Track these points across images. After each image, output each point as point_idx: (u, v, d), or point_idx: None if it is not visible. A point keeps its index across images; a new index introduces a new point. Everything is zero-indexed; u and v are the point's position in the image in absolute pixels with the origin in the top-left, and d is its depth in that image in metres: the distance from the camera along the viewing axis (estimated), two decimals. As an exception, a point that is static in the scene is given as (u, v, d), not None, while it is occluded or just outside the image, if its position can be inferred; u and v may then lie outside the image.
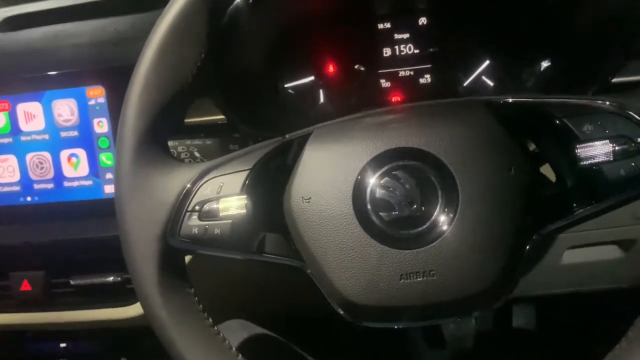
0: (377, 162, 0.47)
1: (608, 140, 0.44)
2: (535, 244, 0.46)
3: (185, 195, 0.48)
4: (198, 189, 0.48)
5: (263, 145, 0.50)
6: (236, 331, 0.79)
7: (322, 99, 0.77)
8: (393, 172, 0.46)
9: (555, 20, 0.68)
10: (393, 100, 0.75)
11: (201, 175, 0.49)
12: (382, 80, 0.75)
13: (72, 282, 0.74)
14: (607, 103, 0.45)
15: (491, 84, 0.74)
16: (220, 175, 0.49)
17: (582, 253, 0.76)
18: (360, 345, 1.07)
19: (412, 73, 0.75)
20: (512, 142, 0.46)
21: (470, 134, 0.46)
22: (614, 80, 0.63)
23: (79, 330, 0.79)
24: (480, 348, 1.17)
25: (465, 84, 0.74)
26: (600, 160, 0.44)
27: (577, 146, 0.45)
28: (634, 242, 0.75)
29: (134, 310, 0.74)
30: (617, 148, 0.44)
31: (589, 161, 0.44)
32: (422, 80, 0.75)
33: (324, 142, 0.49)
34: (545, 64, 0.71)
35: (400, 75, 0.75)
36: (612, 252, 0.76)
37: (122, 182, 0.49)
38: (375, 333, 1.05)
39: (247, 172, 0.49)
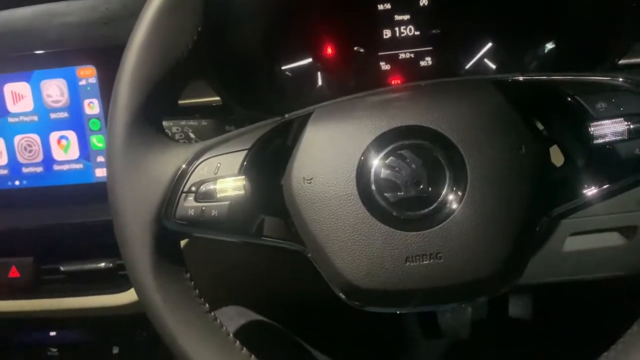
0: (382, 141, 0.45)
1: (623, 119, 0.43)
2: (543, 227, 0.45)
3: (181, 176, 0.47)
4: (194, 169, 0.47)
5: (262, 124, 0.49)
6: (233, 318, 0.78)
7: (320, 82, 0.76)
8: (398, 152, 0.45)
9: (558, 1, 0.66)
10: (393, 83, 0.74)
11: (197, 155, 0.47)
12: (382, 63, 0.74)
13: (62, 269, 0.72)
14: (621, 80, 0.44)
15: (493, 66, 0.73)
16: (217, 155, 0.47)
17: (584, 240, 0.75)
18: (357, 335, 1.06)
19: (412, 55, 0.73)
20: (521, 121, 0.45)
21: (479, 112, 0.44)
22: (620, 61, 0.62)
23: (69, 319, 0.77)
24: (476, 338, 1.16)
25: (467, 67, 0.73)
26: (614, 138, 0.43)
27: (590, 124, 0.43)
28: (637, 229, 0.74)
29: (126, 297, 0.72)
30: (632, 126, 0.43)
31: (603, 139, 0.43)
32: (422, 63, 0.73)
33: (325, 121, 0.47)
34: (549, 46, 0.70)
35: (400, 57, 0.74)
36: (614, 239, 0.75)
37: (115, 162, 0.47)
38: (372, 323, 1.04)
39: (245, 152, 0.47)
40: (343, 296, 0.46)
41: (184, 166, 0.47)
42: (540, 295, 1.13)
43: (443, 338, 1.18)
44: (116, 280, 0.71)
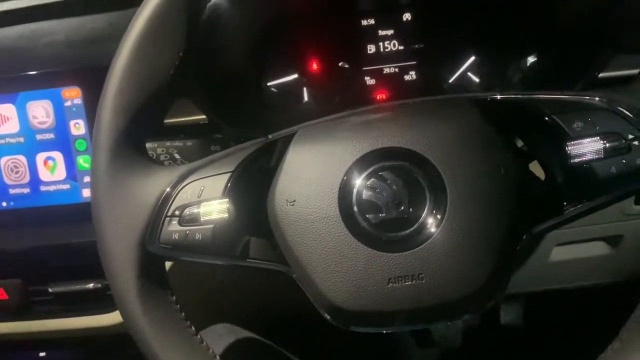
0: (363, 162, 0.45)
1: (599, 137, 0.43)
2: (525, 243, 0.45)
3: (165, 200, 0.47)
4: (178, 192, 0.47)
5: (245, 146, 0.49)
6: (222, 336, 0.77)
7: (306, 97, 0.76)
8: (379, 173, 0.45)
9: (540, 15, 0.67)
10: (378, 97, 0.74)
11: (181, 179, 0.47)
12: (367, 78, 0.74)
13: (50, 290, 0.71)
14: (597, 99, 0.44)
15: (477, 80, 0.73)
16: (201, 178, 0.47)
17: (570, 250, 0.76)
18: (348, 347, 1.06)
19: (397, 70, 0.74)
20: (500, 139, 0.45)
21: (458, 132, 0.45)
22: (600, 75, 0.63)
23: (59, 339, 0.77)
24: (468, 346, 1.16)
25: (450, 81, 0.73)
26: (591, 157, 0.43)
27: (568, 143, 0.44)
28: (622, 238, 0.75)
29: (116, 317, 0.72)
30: (607, 145, 0.43)
31: (580, 159, 0.43)
32: (407, 77, 0.74)
33: (308, 142, 0.47)
34: (531, 60, 0.71)
35: (385, 72, 0.74)
36: (600, 249, 0.76)
37: (98, 186, 0.47)
38: (363, 334, 1.04)
39: (229, 175, 0.47)
40: (328, 317, 0.46)
41: (168, 189, 0.47)
42: (532, 302, 1.14)
43: (435, 346, 1.18)
44: (105, 300, 0.70)
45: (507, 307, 1.16)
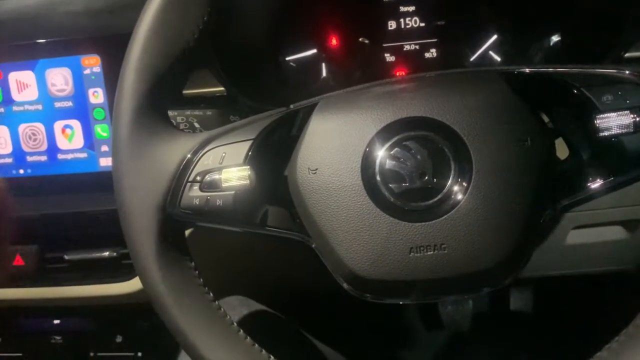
0: (387, 132, 0.45)
1: (629, 111, 0.43)
2: (548, 218, 0.45)
3: (186, 165, 0.47)
4: (199, 158, 0.47)
5: (267, 115, 0.49)
6: (236, 307, 0.78)
7: (324, 73, 0.76)
8: (404, 143, 0.45)
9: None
10: (398, 74, 0.74)
11: (202, 145, 0.47)
12: (387, 54, 0.74)
13: (66, 257, 0.72)
14: (628, 72, 0.44)
15: (498, 58, 0.72)
16: (222, 145, 0.47)
17: (587, 233, 0.75)
18: (357, 329, 1.06)
19: (417, 47, 0.73)
20: (527, 113, 0.45)
21: (485, 104, 0.44)
22: (626, 55, 0.62)
23: (73, 307, 0.78)
24: (477, 330, 1.16)
25: (472, 59, 0.73)
26: (620, 131, 0.43)
27: (596, 117, 0.43)
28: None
29: (130, 286, 0.72)
30: (638, 119, 0.42)
31: (608, 132, 0.43)
32: (427, 55, 0.73)
33: (331, 111, 0.47)
34: (554, 39, 0.70)
35: (405, 49, 0.73)
36: (617, 233, 0.75)
37: (120, 150, 0.47)
38: (374, 314, 1.05)
39: (250, 142, 0.47)
40: (346, 286, 0.46)
41: (189, 155, 0.47)
42: (542, 288, 1.13)
43: (444, 330, 1.18)
44: (120, 269, 0.71)
45: (517, 293, 1.16)
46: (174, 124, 0.68)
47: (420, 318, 1.19)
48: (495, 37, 0.71)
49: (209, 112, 0.68)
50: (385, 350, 1.14)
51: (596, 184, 0.44)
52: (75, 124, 0.71)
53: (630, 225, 0.75)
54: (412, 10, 0.72)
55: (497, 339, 1.15)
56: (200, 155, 0.47)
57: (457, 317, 1.18)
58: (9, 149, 0.73)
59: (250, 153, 0.47)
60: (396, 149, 0.45)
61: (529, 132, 0.43)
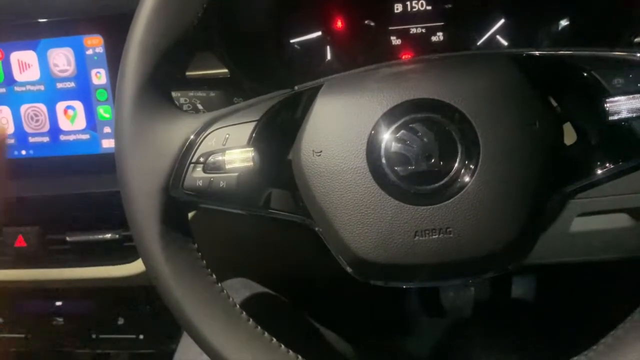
0: (393, 114, 0.44)
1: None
2: (555, 204, 0.44)
3: (189, 147, 0.46)
4: (202, 140, 0.46)
5: (271, 96, 0.48)
6: (239, 290, 0.78)
7: (329, 56, 0.75)
8: (410, 125, 0.44)
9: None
10: (403, 58, 0.73)
11: (206, 126, 0.47)
12: (393, 37, 0.73)
13: (68, 239, 0.72)
14: (639, 55, 0.43)
15: (505, 43, 0.71)
16: (225, 126, 0.46)
17: (592, 220, 0.74)
18: (359, 314, 1.06)
19: (424, 30, 0.72)
20: (535, 96, 0.44)
21: (493, 86, 0.44)
22: (636, 39, 0.61)
23: (75, 289, 0.78)
24: (478, 317, 1.17)
25: (479, 43, 0.72)
26: (630, 115, 0.42)
27: (606, 100, 0.42)
28: (646, 211, 0.73)
29: (132, 268, 0.72)
30: None
31: (618, 116, 0.42)
32: (434, 38, 0.72)
33: (336, 93, 0.46)
34: (563, 23, 0.69)
35: (411, 32, 0.72)
36: (622, 221, 0.75)
37: (123, 131, 0.47)
38: (375, 300, 1.05)
39: (254, 124, 0.46)
40: (350, 269, 0.46)
41: (192, 137, 0.46)
42: (544, 276, 1.13)
43: (445, 317, 1.18)
44: (122, 251, 0.71)
45: (518, 281, 1.16)
46: (177, 105, 0.68)
47: (421, 304, 1.19)
48: (502, 21, 0.71)
49: (212, 94, 0.67)
50: (387, 336, 1.14)
51: (603, 169, 0.44)
52: (78, 105, 0.71)
53: (636, 212, 0.74)
54: (419, -7, 0.71)
55: (498, 326, 1.15)
56: (204, 136, 0.46)
57: (459, 303, 1.19)
58: (11, 130, 0.72)
59: (254, 134, 0.46)
60: (402, 131, 0.44)
61: (537, 116, 0.43)
